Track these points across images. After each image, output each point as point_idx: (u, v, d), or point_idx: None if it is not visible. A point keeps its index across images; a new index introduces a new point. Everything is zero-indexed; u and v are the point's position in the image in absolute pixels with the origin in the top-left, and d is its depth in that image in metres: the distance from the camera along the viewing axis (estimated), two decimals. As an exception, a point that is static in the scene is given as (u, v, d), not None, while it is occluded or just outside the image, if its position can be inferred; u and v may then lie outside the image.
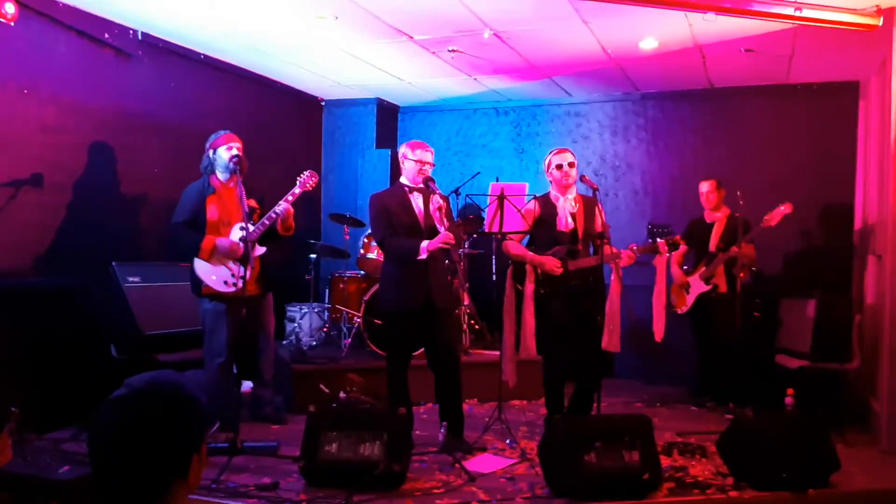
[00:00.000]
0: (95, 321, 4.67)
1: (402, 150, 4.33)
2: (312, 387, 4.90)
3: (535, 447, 3.86)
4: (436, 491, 3.55)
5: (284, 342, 5.84)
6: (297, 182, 4.41)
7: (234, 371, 4.49)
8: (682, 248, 5.41)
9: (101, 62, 5.03)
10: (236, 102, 6.20)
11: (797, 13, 4.18)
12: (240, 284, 4.25)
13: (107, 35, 5.03)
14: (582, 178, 4.30)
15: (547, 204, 4.43)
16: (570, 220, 4.38)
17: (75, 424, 4.26)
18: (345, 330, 5.82)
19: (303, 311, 5.92)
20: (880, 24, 4.27)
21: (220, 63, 6.02)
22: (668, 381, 6.19)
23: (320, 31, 5.18)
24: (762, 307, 5.55)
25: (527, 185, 5.76)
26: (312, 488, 3.52)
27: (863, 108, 6.00)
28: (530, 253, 4.34)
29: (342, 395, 4.55)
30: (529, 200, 4.49)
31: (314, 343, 5.83)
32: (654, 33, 5.12)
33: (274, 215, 4.33)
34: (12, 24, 4.23)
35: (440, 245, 4.06)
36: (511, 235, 4.45)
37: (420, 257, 4.10)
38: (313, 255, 6.00)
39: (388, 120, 7.61)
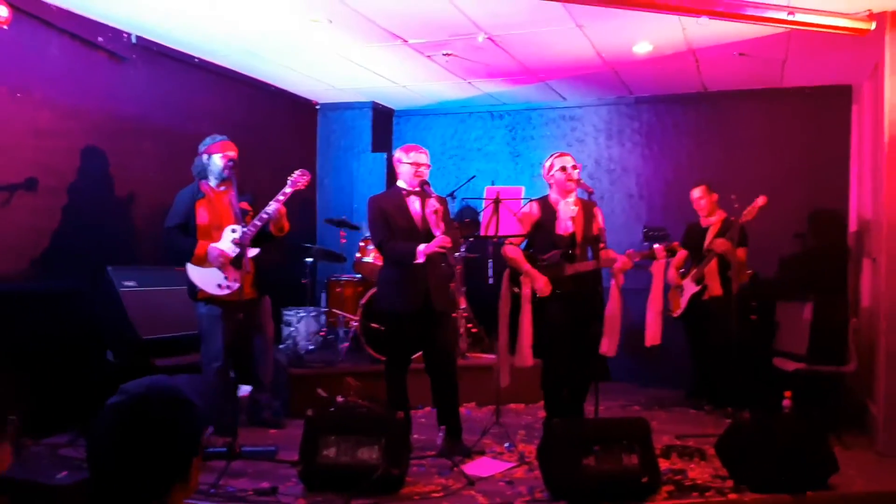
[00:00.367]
0: (91, 325, 4.65)
1: (397, 154, 4.34)
2: (310, 391, 4.88)
3: (534, 451, 3.86)
4: (435, 495, 3.54)
5: (281, 346, 5.82)
6: (289, 182, 4.37)
7: (232, 375, 4.47)
8: (681, 253, 5.44)
9: (95, 65, 5.00)
10: (230, 106, 6.18)
11: (790, 17, 4.20)
12: (234, 287, 4.23)
13: (100, 38, 5.01)
14: (577, 182, 4.31)
15: (546, 207, 4.42)
16: (569, 223, 4.38)
17: (72, 429, 4.22)
18: (342, 334, 5.80)
19: (299, 315, 5.90)
20: (872, 28, 4.30)
21: (214, 66, 6.00)
22: (664, 385, 6.19)
23: (315, 34, 5.17)
24: (759, 310, 5.57)
25: (522, 188, 5.77)
26: (311, 493, 3.51)
27: (856, 111, 6.03)
28: (526, 264, 4.31)
29: (339, 398, 4.53)
30: (527, 204, 4.49)
31: (311, 347, 5.80)
32: (648, 37, 5.13)
33: (266, 216, 4.29)
34: (5, 27, 4.20)
35: (436, 249, 4.06)
36: (510, 239, 4.45)
37: (417, 261, 4.10)
38: (309, 259, 5.97)
39: (384, 123, 7.59)
